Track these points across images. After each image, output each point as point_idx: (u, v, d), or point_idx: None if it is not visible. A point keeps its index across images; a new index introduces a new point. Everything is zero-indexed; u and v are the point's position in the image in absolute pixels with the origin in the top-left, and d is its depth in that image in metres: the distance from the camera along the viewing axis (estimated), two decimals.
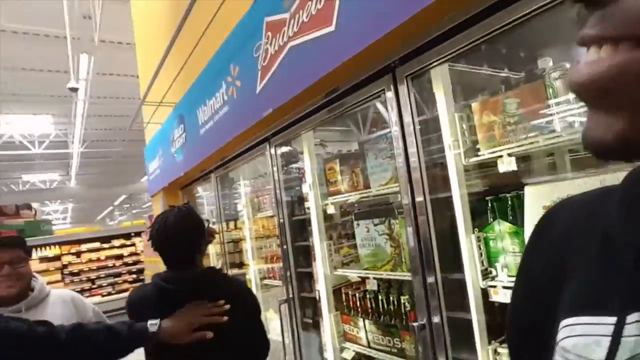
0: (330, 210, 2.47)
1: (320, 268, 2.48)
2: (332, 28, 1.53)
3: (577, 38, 0.30)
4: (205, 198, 4.15)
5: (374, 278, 2.19)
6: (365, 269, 2.21)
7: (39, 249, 10.32)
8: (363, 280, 2.34)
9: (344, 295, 2.49)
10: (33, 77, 8.63)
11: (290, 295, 2.48)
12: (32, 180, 17.57)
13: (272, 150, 2.52)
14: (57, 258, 10.46)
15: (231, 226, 3.65)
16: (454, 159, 1.56)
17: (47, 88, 9.23)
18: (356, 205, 2.51)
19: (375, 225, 2.12)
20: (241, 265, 3.64)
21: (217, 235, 3.70)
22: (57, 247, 10.55)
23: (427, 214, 1.58)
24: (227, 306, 1.46)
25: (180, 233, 1.49)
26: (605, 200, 0.38)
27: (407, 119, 1.59)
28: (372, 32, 1.36)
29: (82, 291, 10.47)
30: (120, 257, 11.08)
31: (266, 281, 3.29)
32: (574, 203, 0.44)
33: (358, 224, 2.24)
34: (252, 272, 3.40)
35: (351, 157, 2.39)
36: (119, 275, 10.96)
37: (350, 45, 1.46)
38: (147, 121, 4.37)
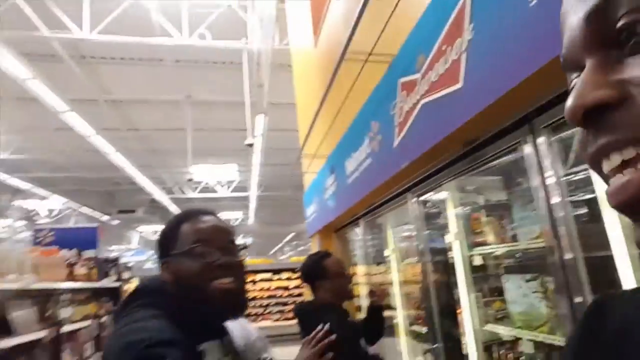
0: (477, 261, 2.35)
1: (468, 320, 2.35)
2: (459, 85, 1.56)
3: (586, 159, 0.32)
4: (356, 242, 4.37)
5: (529, 339, 1.98)
6: (517, 327, 2.02)
7: None
8: (516, 340, 2.13)
9: (494, 354, 2.29)
10: (220, 136, 10.54)
11: (436, 345, 2.40)
12: (222, 217, 20.93)
13: (413, 200, 2.56)
14: None
15: (378, 271, 3.74)
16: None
17: (232, 143, 11.11)
18: (505, 258, 2.33)
19: (527, 281, 1.94)
20: (388, 307, 3.67)
21: (363, 277, 3.83)
22: None
23: (577, 274, 1.40)
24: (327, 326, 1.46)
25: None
26: None
27: (548, 171, 1.48)
28: (499, 86, 1.34)
29: (255, 315, 11.83)
30: (286, 288, 12.19)
31: (414, 327, 3.23)
32: (625, 298, 0.42)
33: (507, 279, 2.09)
34: (400, 317, 3.40)
35: (498, 207, 2.26)
36: (285, 304, 12.01)
37: (479, 99, 1.46)
38: (305, 171, 4.90)
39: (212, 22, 6.30)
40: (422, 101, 1.85)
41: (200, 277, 0.96)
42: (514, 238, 2.05)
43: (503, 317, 2.30)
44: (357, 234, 3.97)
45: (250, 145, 6.88)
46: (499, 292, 2.35)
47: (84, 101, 8.34)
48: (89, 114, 8.14)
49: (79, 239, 5.53)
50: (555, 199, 1.47)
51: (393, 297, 3.55)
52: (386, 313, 3.71)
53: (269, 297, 12.12)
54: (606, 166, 0.30)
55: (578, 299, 1.42)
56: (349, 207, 3.30)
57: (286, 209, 18.11)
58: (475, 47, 1.46)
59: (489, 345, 2.36)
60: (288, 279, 12.25)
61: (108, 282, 5.09)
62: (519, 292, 1.98)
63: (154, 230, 21.20)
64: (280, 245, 27.87)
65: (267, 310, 11.99)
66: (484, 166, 2.02)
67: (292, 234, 21.24)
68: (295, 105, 6.91)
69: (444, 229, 2.58)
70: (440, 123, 1.73)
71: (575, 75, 0.34)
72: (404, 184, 2.58)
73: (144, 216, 15.46)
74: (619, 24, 0.29)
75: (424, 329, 2.90)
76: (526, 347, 2.04)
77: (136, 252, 18.49)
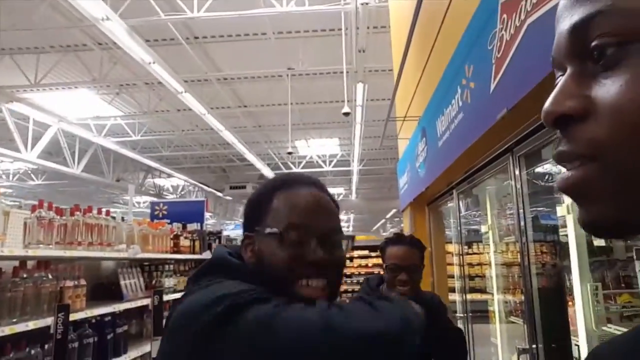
0: (598, 241, 1.83)
1: (581, 317, 1.86)
2: None
3: (553, 156, 0.37)
4: (450, 216, 3.91)
5: None
6: None
7: None
8: None
9: None
10: (322, 108, 10.53)
11: (534, 346, 1.94)
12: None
13: (516, 162, 2.08)
14: None
15: (475, 249, 3.28)
16: None
17: (333, 116, 11.05)
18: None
19: None
20: (483, 291, 3.20)
21: (457, 257, 3.40)
22: None
23: None
24: None
25: None
26: None
27: None
28: None
29: (352, 292, 11.86)
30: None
31: (512, 317, 2.76)
32: (616, 343, 0.43)
33: None
34: (496, 302, 2.93)
35: None
36: None
37: None
38: (397, 136, 4.51)
39: None
40: (529, 20, 1.41)
41: (285, 271, 0.77)
42: None
43: (632, 316, 1.77)
44: (452, 207, 3.51)
45: (347, 114, 6.66)
46: (626, 282, 1.81)
47: (198, 82, 8.98)
48: (202, 93, 8.77)
49: (189, 212, 5.93)
50: None
51: (489, 280, 3.08)
52: (480, 296, 3.26)
53: (366, 274, 12.03)
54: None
55: None
56: (441, 174, 2.88)
57: (388, 183, 17.73)
58: None
59: None
60: None
61: (208, 255, 5.38)
62: None
63: None
64: (382, 222, 27.61)
65: None
66: None
67: (394, 210, 20.80)
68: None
69: (555, 200, 2.06)
70: (550, 48, 1.29)
71: (560, 74, 0.36)
72: (504, 142, 2.10)
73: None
74: (593, 43, 0.31)
75: (520, 321, 2.43)
76: None
77: (237, 225, 19.89)
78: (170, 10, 6.39)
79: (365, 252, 12.24)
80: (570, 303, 1.96)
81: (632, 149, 0.29)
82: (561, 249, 2.00)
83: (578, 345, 1.89)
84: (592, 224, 0.33)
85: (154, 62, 6.31)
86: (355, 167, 13.69)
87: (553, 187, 2.15)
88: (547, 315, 1.97)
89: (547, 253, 2.08)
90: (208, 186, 16.60)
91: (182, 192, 18.55)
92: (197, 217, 5.93)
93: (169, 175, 15.03)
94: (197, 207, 6.35)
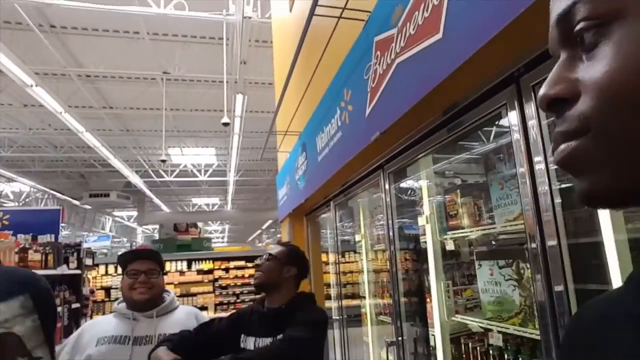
0: (449, 246, 2.18)
1: (436, 311, 2.18)
2: (439, 35, 1.35)
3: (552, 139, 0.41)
4: (327, 226, 4.17)
5: (498, 331, 1.81)
6: (487, 319, 1.85)
7: (197, 262, 11.82)
8: (486, 331, 1.97)
9: (463, 346, 2.13)
10: (198, 116, 10.18)
11: (399, 338, 2.22)
12: (199, 203, 20.57)
13: (386, 178, 2.36)
14: (210, 272, 11.80)
15: (349, 257, 3.55)
16: None
17: (210, 125, 10.76)
18: (478, 243, 2.16)
19: (501, 268, 1.77)
20: (357, 297, 3.49)
21: (333, 266, 3.63)
22: (211, 262, 11.93)
23: (562, 262, 1.22)
24: None
25: None
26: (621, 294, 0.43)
27: (535, 146, 1.29)
28: (483, 33, 1.14)
29: (227, 303, 11.58)
30: None
31: (381, 317, 3.06)
32: (603, 298, 0.46)
33: (480, 265, 1.91)
34: (367, 305, 3.22)
35: (474, 187, 2.08)
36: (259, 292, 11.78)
37: (460, 51, 1.25)
38: (277, 149, 4.65)
39: None
40: (398, 60, 1.64)
41: None
42: (491, 221, 1.88)
43: (474, 307, 2.14)
44: (329, 218, 3.76)
45: (227, 124, 6.58)
46: (471, 280, 2.19)
47: (54, 75, 7.90)
48: (59, 89, 7.72)
49: (39, 223, 5.16)
50: (541, 176, 1.29)
51: (362, 286, 3.37)
52: (354, 302, 3.54)
53: (242, 285, 11.86)
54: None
55: (558, 288, 1.25)
56: (320, 187, 3.08)
57: (265, 195, 17.87)
58: None
59: (457, 338, 2.20)
60: None
61: (64, 270, 4.73)
62: (491, 279, 1.80)
63: (128, 215, 20.67)
64: (258, 233, 27.59)
65: (240, 299, 11.74)
66: (463, 139, 1.83)
67: (270, 220, 20.99)
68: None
69: (417, 211, 2.39)
70: (416, 84, 1.53)
71: (556, 59, 0.38)
72: (377, 159, 2.38)
73: (118, 200, 14.93)
74: (576, 29, 0.34)
75: (389, 319, 2.73)
76: (496, 340, 1.87)
77: (100, 237, 17.90)
78: None
79: (242, 263, 12.07)
80: (428, 300, 2.29)
81: (617, 118, 0.31)
82: (421, 255, 2.33)
83: (434, 335, 2.21)
84: (591, 194, 0.35)
85: None
86: (231, 177, 13.49)
87: (415, 200, 2.49)
88: (410, 311, 2.27)
89: (410, 259, 2.39)
90: (62, 193, 14.53)
91: (27, 200, 15.91)
92: (49, 227, 5.18)
93: (10, 180, 12.77)
94: (50, 217, 5.54)
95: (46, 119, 9.42)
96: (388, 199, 2.32)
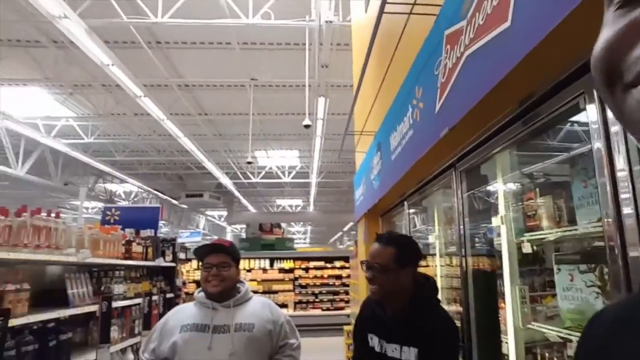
0: (527, 248, 2.04)
1: (510, 317, 2.06)
2: (507, 24, 1.30)
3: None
4: (402, 227, 4.11)
5: None
6: (566, 328, 1.71)
7: (279, 261, 12.32)
8: (565, 342, 1.81)
9: (539, 357, 1.98)
10: (283, 120, 10.64)
11: (466, 343, 2.13)
12: (283, 204, 21.42)
13: (458, 177, 2.29)
14: (291, 271, 12.23)
15: (424, 261, 3.47)
16: None
17: (293, 128, 11.18)
18: (558, 245, 2.00)
19: (582, 273, 1.62)
20: None
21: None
22: (292, 261, 12.35)
23: None
24: None
25: None
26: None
27: (615, 135, 1.18)
28: (551, 18, 1.08)
29: (306, 302, 11.89)
30: (339, 277, 12.08)
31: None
32: (620, 303, 0.45)
33: (559, 269, 1.77)
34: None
35: (555, 185, 1.94)
36: (337, 293, 11.91)
37: (528, 38, 1.20)
38: (355, 150, 4.71)
39: (276, 3, 6.30)
40: (467, 52, 1.60)
41: None
42: (572, 222, 1.73)
43: (554, 316, 1.98)
44: (404, 217, 3.71)
45: (308, 126, 6.81)
46: (551, 285, 2.03)
47: (158, 87, 8.85)
48: (162, 98, 8.64)
49: (142, 219, 5.76)
50: (622, 172, 1.17)
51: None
52: None
53: (322, 285, 12.10)
54: None
55: None
56: (393, 186, 3.07)
57: (346, 197, 18.02)
58: None
59: (533, 347, 2.05)
60: (342, 267, 12.14)
61: (161, 262, 5.25)
62: (571, 285, 1.66)
63: (219, 214, 22.24)
64: (339, 235, 27.86)
65: (318, 299, 11.98)
66: (538, 131, 1.72)
67: (351, 223, 21.10)
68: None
69: (491, 211, 2.28)
70: (485, 76, 1.48)
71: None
72: (448, 157, 2.31)
73: (210, 200, 16.15)
74: None
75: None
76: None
77: (192, 233, 19.41)
78: (133, 13, 6.32)
79: (321, 264, 12.31)
80: (502, 305, 2.17)
81: None
82: (495, 257, 2.21)
83: (507, 343, 2.09)
84: None
85: (112, 64, 6.20)
86: (314, 179, 13.83)
87: (489, 200, 2.37)
88: (481, 316, 2.16)
89: (483, 262, 2.28)
90: (164, 193, 16.13)
91: (135, 199, 17.91)
92: (151, 223, 5.78)
93: (122, 181, 14.50)
94: (151, 214, 6.18)
95: (151, 126, 10.56)
96: (460, 199, 2.25)
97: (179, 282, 5.88)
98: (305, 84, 7.38)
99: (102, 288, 3.76)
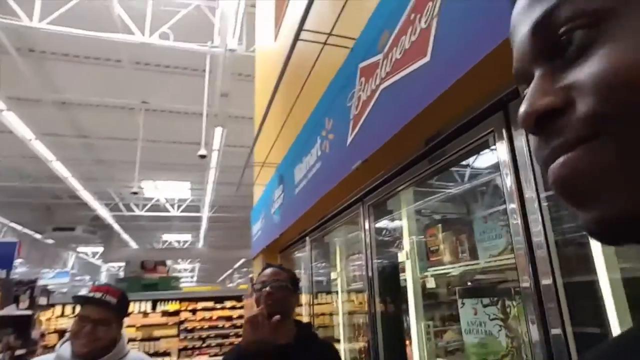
0: (430, 284, 2.07)
1: (416, 355, 2.03)
2: (426, 59, 1.32)
3: (540, 163, 0.33)
4: (302, 265, 4.00)
5: None
6: None
7: (162, 303, 11.19)
8: None
9: None
10: (175, 149, 10.02)
11: None
12: (170, 239, 19.89)
13: (366, 211, 2.27)
14: (176, 313, 11.15)
15: (322, 299, 3.38)
16: None
17: (186, 158, 10.59)
18: (461, 280, 2.06)
19: (485, 306, 1.66)
20: (329, 341, 3.28)
21: (306, 307, 3.44)
22: (177, 303, 11.31)
23: (558, 302, 1.14)
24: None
25: None
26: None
27: (525, 175, 1.24)
28: (472, 55, 1.11)
29: (193, 348, 10.88)
30: (230, 318, 11.37)
31: None
32: (606, 347, 0.38)
33: (463, 304, 1.80)
34: (342, 350, 3.02)
35: (457, 222, 2.02)
36: (227, 336, 11.15)
37: (448, 74, 1.21)
38: (255, 182, 4.54)
39: (176, 24, 6.01)
40: (382, 86, 1.61)
41: None
42: (474, 257, 1.79)
43: (455, 350, 2.01)
44: (303, 255, 3.60)
45: (203, 156, 6.47)
46: (454, 320, 2.07)
47: (27, 100, 7.68)
48: (32, 115, 7.48)
49: None
50: (532, 207, 1.22)
51: (337, 328, 3.19)
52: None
53: (210, 327, 11.24)
54: None
55: (555, 331, 1.15)
56: (296, 220, 2.95)
57: (238, 232, 17.44)
58: (447, 10, 1.24)
59: None
60: (232, 307, 11.46)
61: (12, 310, 4.32)
62: (475, 319, 1.69)
63: (93, 251, 19.70)
64: (229, 272, 26.71)
65: (206, 343, 11.07)
66: (445, 168, 1.78)
67: (243, 259, 20.41)
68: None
69: (396, 248, 2.29)
70: (401, 110, 1.48)
71: (525, 86, 0.35)
72: (357, 192, 2.30)
73: (83, 235, 14.26)
74: (561, 30, 0.30)
75: None
76: None
77: (58, 274, 16.88)
78: (2, 13, 5.45)
79: (210, 304, 11.49)
80: (407, 343, 2.14)
81: (635, 113, 0.26)
82: (401, 294, 2.20)
83: None
84: (610, 221, 0.28)
85: None
86: (205, 213, 13.17)
87: (395, 236, 2.39)
88: (388, 354, 2.10)
89: (389, 300, 2.26)
90: (24, 226, 13.77)
91: None
92: (3, 262, 4.79)
93: None
94: (4, 250, 5.13)
95: (14, 146, 9.07)
96: (368, 234, 2.22)
97: (35, 334, 4.89)
98: (202, 112, 7.07)
99: None
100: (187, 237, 19.39)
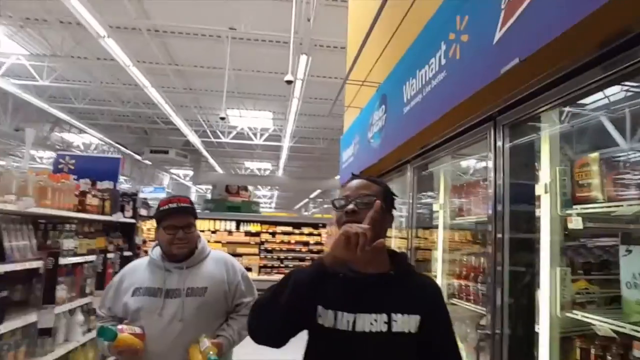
0: (574, 224, 1.71)
1: (545, 303, 1.75)
2: None
3: None
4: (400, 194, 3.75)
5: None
6: (633, 323, 1.40)
7: (245, 224, 11.91)
8: (620, 338, 1.50)
9: (578, 351, 1.69)
10: (260, 77, 9.93)
11: (498, 331, 1.80)
12: (251, 167, 20.81)
13: (498, 132, 1.89)
14: (257, 234, 11.87)
15: (422, 233, 3.14)
16: None
17: (270, 88, 10.52)
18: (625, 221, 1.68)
19: None
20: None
21: (405, 241, 3.22)
22: (259, 225, 11.98)
23: None
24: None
25: None
26: None
27: None
28: None
29: (272, 267, 11.64)
30: (307, 243, 11.88)
31: (454, 300, 2.66)
32: None
33: (629, 251, 1.45)
34: (440, 287, 2.83)
35: (616, 152, 1.59)
36: (303, 260, 11.71)
37: None
38: (348, 105, 4.25)
39: None
40: None
41: None
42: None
43: (587, 303, 1.69)
44: (405, 183, 3.27)
45: (290, 82, 6.25)
46: (601, 268, 1.72)
47: (125, 29, 7.88)
48: (129, 42, 7.68)
49: (101, 170, 5.16)
50: None
51: (434, 263, 2.97)
52: None
53: (288, 250, 11.87)
54: None
55: None
56: (400, 145, 2.66)
57: (317, 163, 17.65)
58: None
59: (569, 338, 1.76)
60: (310, 234, 11.92)
61: (119, 217, 4.70)
62: None
63: (184, 173, 21.33)
64: (305, 201, 27.66)
65: (284, 264, 11.76)
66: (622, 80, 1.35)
67: (319, 190, 20.86)
68: (345, 41, 6.18)
69: (530, 179, 1.92)
70: None
71: None
72: (488, 109, 1.90)
73: (176, 158, 15.35)
74: None
75: (468, 305, 2.33)
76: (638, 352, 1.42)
77: (156, 189, 18.50)
78: None
79: (289, 229, 12.03)
80: (537, 287, 1.85)
81: None
82: (532, 230, 1.87)
83: (538, 333, 1.79)
84: None
85: None
86: (286, 143, 13.31)
87: (527, 164, 2.01)
88: (513, 301, 1.82)
89: (516, 231, 1.93)
90: (126, 147, 15.10)
91: (95, 152, 16.75)
92: (110, 175, 5.17)
93: (81, 131, 13.37)
94: (110, 164, 5.53)
95: (115, 72, 9.58)
96: (500, 159, 1.86)
97: (138, 240, 5.38)
98: (289, 40, 6.72)
99: (49, 242, 3.26)
100: (268, 165, 20.10)
